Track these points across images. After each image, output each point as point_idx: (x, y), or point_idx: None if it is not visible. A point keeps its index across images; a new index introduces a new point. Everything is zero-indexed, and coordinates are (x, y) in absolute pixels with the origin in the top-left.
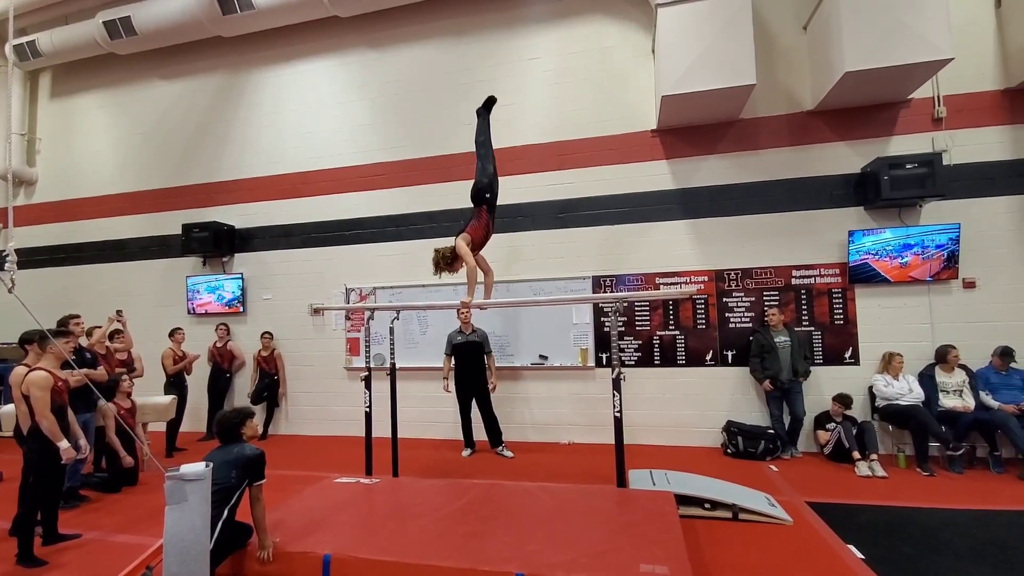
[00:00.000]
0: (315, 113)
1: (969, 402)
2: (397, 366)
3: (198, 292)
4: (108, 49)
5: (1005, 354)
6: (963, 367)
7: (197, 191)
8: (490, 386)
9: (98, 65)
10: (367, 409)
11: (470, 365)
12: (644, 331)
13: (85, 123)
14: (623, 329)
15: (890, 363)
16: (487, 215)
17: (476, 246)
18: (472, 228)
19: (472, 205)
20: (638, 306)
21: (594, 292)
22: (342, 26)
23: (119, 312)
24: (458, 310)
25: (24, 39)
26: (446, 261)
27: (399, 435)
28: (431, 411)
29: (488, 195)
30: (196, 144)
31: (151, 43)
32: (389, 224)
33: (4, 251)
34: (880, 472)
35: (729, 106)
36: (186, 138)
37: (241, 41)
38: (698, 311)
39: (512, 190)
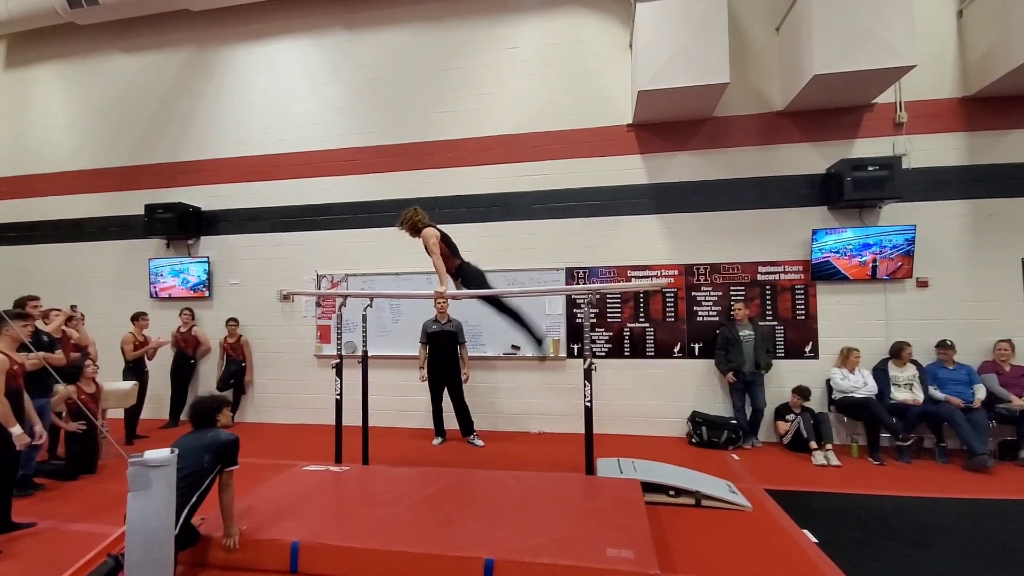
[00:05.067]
0: (286, 94)
1: (919, 395)
2: (369, 354)
3: (161, 275)
4: (68, 19)
5: (940, 345)
6: (914, 362)
7: (161, 170)
8: (463, 376)
9: (57, 35)
10: (338, 397)
11: (444, 354)
12: (615, 323)
13: (42, 95)
14: (595, 320)
15: (847, 357)
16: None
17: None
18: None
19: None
20: (610, 298)
21: (567, 283)
22: (317, 5)
23: (73, 307)
24: (434, 300)
25: None
26: (409, 224)
27: (369, 423)
28: (402, 400)
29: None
30: (160, 121)
31: (113, 13)
32: (361, 210)
33: None
34: (835, 461)
35: (703, 104)
36: (149, 115)
37: (210, 15)
38: (667, 304)
39: (486, 180)
